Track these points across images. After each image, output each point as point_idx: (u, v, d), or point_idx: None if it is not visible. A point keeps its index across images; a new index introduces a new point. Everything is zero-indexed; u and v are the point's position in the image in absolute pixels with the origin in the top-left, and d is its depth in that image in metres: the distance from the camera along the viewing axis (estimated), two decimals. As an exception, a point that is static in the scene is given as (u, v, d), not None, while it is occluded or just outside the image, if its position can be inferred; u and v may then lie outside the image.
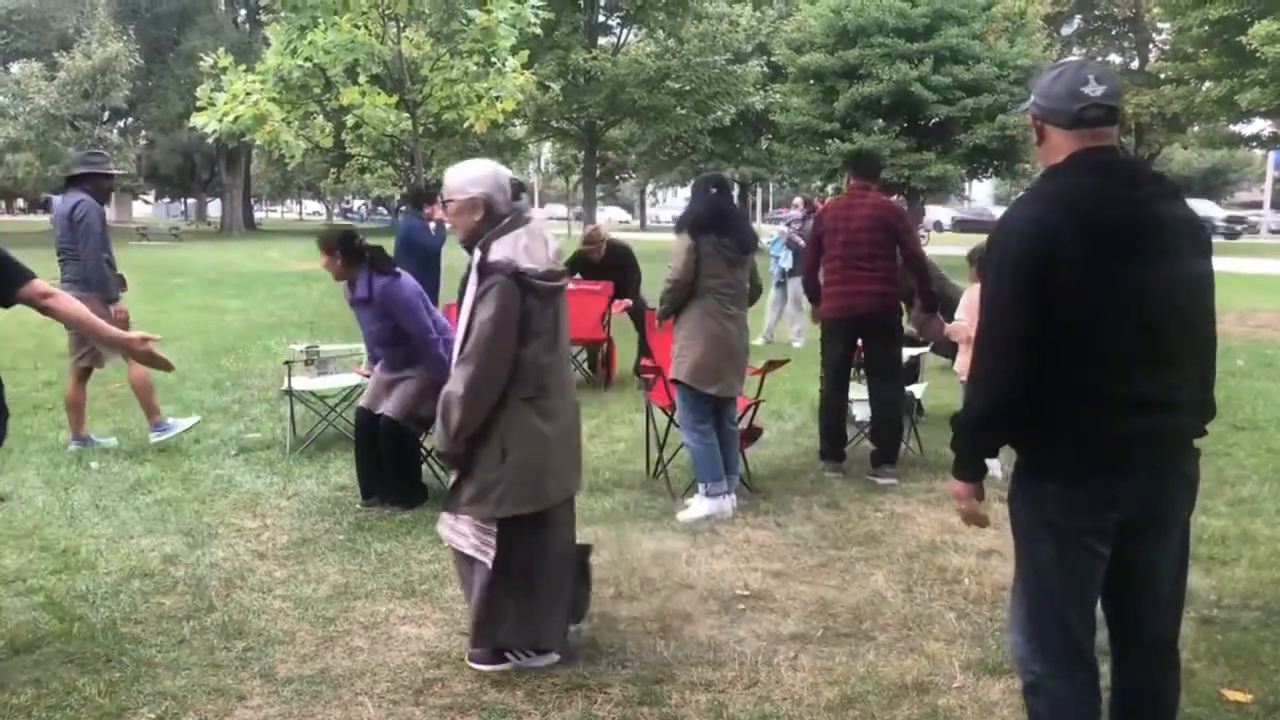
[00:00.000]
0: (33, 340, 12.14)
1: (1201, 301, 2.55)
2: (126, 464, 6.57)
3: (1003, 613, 4.20)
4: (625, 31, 35.36)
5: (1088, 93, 2.44)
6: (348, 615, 4.23)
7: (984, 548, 5.02)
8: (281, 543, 5.13)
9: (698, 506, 5.51)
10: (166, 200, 76.35)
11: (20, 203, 74.34)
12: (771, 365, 6.64)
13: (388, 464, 5.68)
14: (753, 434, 6.43)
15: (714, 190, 5.53)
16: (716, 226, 5.42)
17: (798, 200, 13.10)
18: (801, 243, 10.72)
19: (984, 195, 61.51)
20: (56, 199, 7.29)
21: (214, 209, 62.82)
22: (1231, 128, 30.06)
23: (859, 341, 6.44)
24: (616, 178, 55.43)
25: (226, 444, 7.07)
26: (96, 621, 4.12)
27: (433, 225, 8.48)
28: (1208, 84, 27.34)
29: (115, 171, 7.27)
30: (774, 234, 12.08)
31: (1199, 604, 4.28)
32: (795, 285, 9.82)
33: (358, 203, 75.65)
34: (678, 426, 5.88)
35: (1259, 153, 41.45)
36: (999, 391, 2.48)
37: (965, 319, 6.10)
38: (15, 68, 42.06)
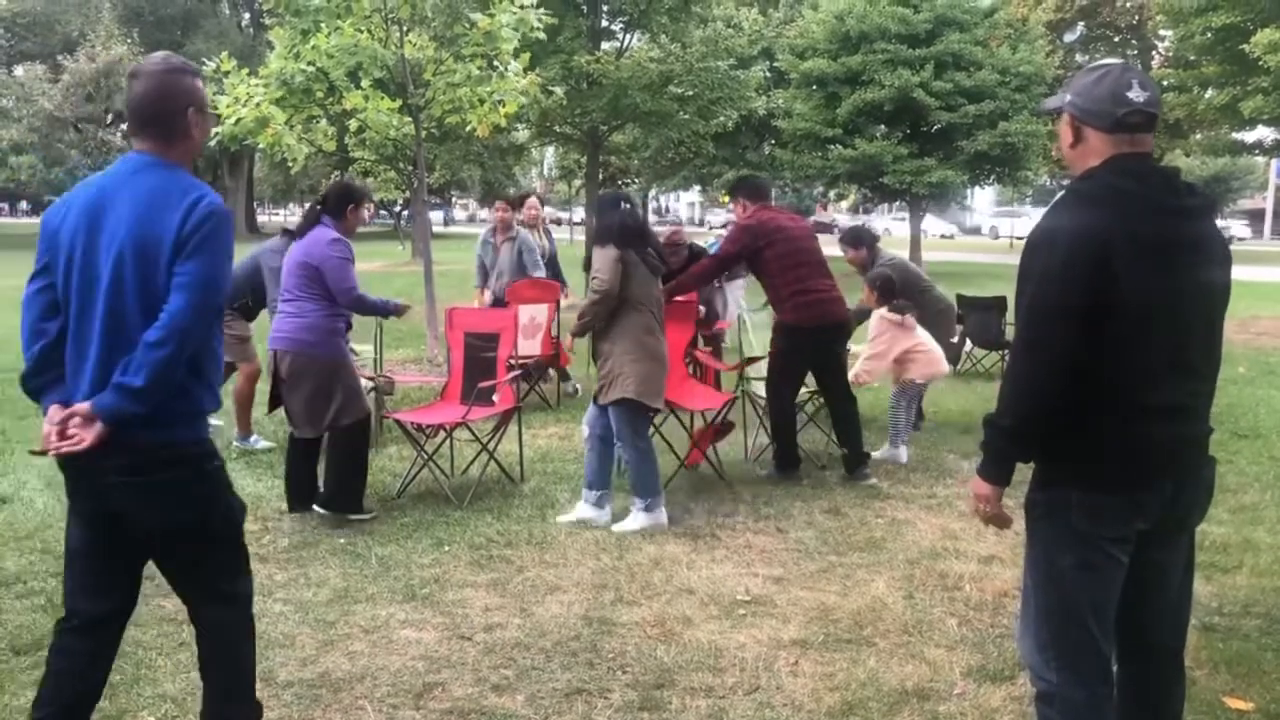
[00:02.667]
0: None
1: (1221, 313, 2.56)
2: (128, 466, 6.56)
3: (1004, 619, 4.20)
4: (628, 36, 35.40)
5: (1132, 98, 2.43)
6: (348, 619, 4.22)
7: (985, 554, 5.01)
8: (282, 546, 5.13)
9: (633, 520, 5.43)
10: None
11: (24, 205, 74.39)
12: (750, 360, 6.72)
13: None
14: (725, 429, 6.48)
15: (625, 205, 5.48)
16: (640, 238, 5.39)
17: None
18: None
19: (986, 202, 61.56)
20: None
21: (217, 212, 62.70)
22: (1234, 135, 30.04)
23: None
24: (619, 183, 55.43)
25: (226, 447, 7.07)
26: (97, 624, 4.11)
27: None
28: (1210, 91, 27.32)
29: None
30: (712, 240, 12.01)
31: (1200, 611, 4.27)
32: (732, 289, 9.84)
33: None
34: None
35: (1261, 160, 41.42)
36: (1038, 395, 2.45)
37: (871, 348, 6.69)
38: (20, 70, 42.15)
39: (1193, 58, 28.35)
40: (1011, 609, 4.25)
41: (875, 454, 6.78)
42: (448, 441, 6.50)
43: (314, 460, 5.72)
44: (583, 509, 5.58)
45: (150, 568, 2.95)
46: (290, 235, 6.08)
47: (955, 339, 8.40)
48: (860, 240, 7.64)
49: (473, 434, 6.65)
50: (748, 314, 8.08)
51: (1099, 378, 2.41)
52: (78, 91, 22.90)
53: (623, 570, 4.79)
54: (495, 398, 6.48)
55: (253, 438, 7.35)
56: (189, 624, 4.10)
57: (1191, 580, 2.71)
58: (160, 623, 4.15)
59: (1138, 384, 2.43)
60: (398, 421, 6.37)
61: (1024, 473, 2.57)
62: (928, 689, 3.63)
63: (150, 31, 45.38)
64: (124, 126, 45.06)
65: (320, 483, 5.69)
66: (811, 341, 6.37)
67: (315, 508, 5.59)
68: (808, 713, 3.46)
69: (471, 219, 78.59)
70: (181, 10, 46.69)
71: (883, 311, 6.79)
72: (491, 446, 6.25)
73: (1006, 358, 9.74)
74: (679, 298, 6.68)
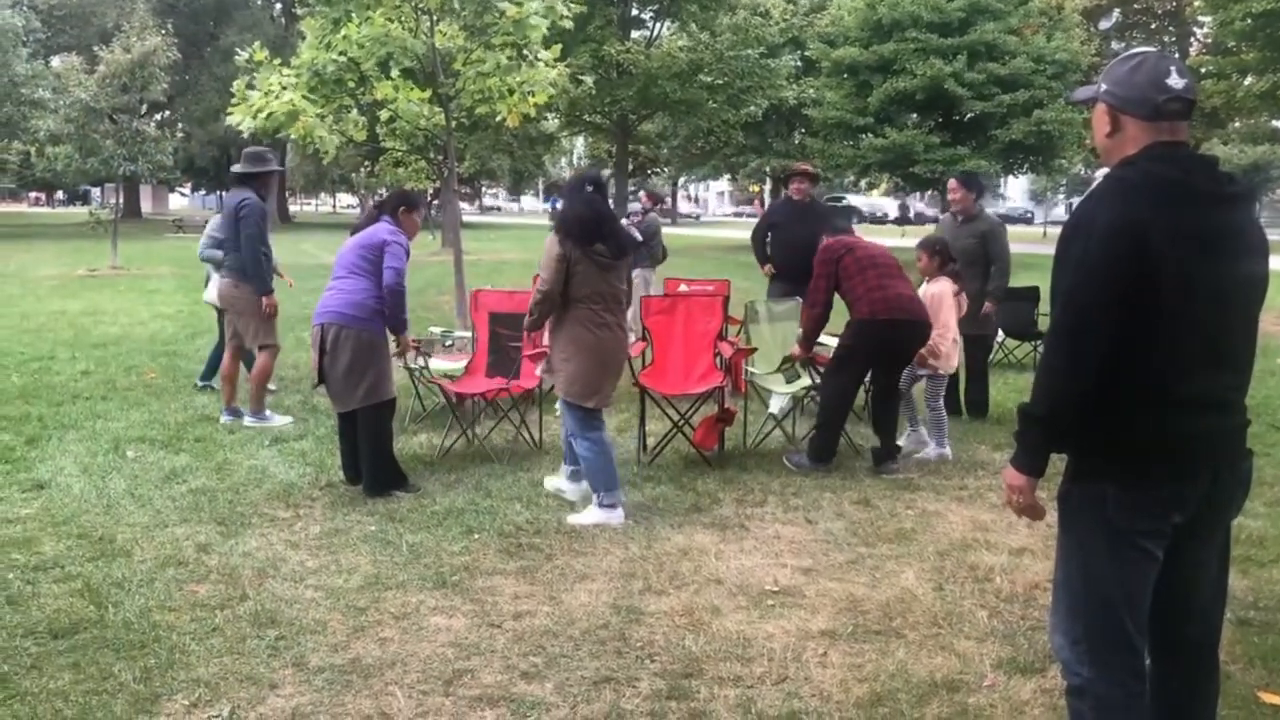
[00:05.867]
0: (71, 330, 12.33)
1: (1259, 304, 2.52)
2: (162, 454, 6.65)
3: (1035, 611, 4.17)
4: (658, 24, 35.34)
5: (1171, 84, 2.40)
6: (379, 605, 4.26)
7: (1016, 546, 4.98)
8: (314, 533, 5.17)
9: (589, 514, 5.38)
10: (203, 192, 77.14)
11: (60, 195, 75.33)
12: (741, 352, 6.73)
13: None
14: (725, 417, 6.46)
15: (590, 189, 5.34)
16: (593, 231, 5.18)
17: (642, 194, 13.59)
18: (639, 236, 10.67)
19: (1019, 191, 61.01)
20: (226, 195, 8.12)
21: (249, 201, 63.27)
22: (1274, 123, 29.60)
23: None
24: (648, 171, 55.41)
25: (260, 434, 7.14)
26: (132, 608, 4.17)
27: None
28: (1250, 78, 26.93)
29: (275, 169, 7.78)
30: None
31: (1236, 605, 4.23)
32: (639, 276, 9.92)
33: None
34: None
35: (1301, 148, 40.76)
36: (1073, 385, 2.41)
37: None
38: (56, 61, 42.65)
39: (1232, 44, 27.94)
40: (1043, 601, 4.21)
41: (920, 454, 6.74)
42: (481, 414, 7.03)
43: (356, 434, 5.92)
44: (558, 481, 5.80)
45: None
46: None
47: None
48: (972, 184, 7.83)
49: (500, 409, 7.05)
50: (761, 304, 8.08)
51: (1136, 369, 2.38)
52: (113, 82, 23.07)
53: (651, 560, 4.79)
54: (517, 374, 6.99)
55: (267, 414, 7.58)
56: (220, 609, 4.17)
57: (1226, 575, 2.67)
58: (193, 608, 4.20)
59: (1176, 375, 2.39)
60: (441, 388, 6.87)
61: (1057, 464, 2.54)
62: (957, 681, 3.62)
63: (184, 23, 45.74)
64: (158, 117, 45.46)
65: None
66: (880, 336, 6.28)
67: (365, 493, 5.79)
68: (836, 703, 3.46)
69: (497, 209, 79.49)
70: (215, 1, 47.06)
71: (947, 287, 6.72)
72: (517, 421, 6.73)
73: (1039, 348, 9.70)
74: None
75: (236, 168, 7.60)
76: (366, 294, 5.75)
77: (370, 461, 5.78)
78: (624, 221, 11.51)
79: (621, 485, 5.52)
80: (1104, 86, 2.50)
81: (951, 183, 8.05)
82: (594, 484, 5.39)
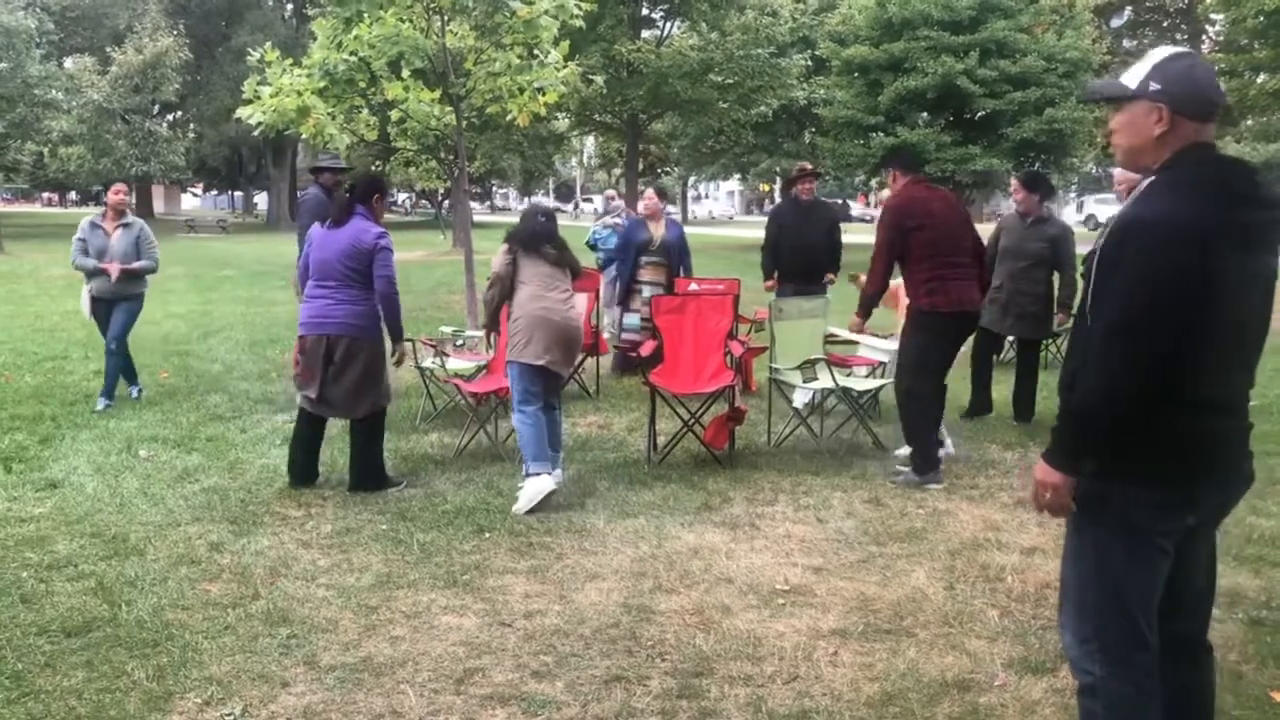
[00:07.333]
0: (84, 330, 12.37)
1: (1271, 303, 2.51)
2: (175, 453, 6.68)
3: (1046, 611, 4.16)
4: (669, 24, 35.34)
5: (1219, 87, 2.43)
6: (390, 604, 4.27)
7: (1027, 545, 4.97)
8: (325, 532, 5.19)
9: (526, 490, 5.59)
10: (214, 193, 77.49)
11: (72, 195, 75.69)
12: (752, 351, 6.71)
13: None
14: (735, 416, 6.44)
15: (542, 219, 6.04)
16: (538, 242, 5.91)
17: (610, 191, 13.83)
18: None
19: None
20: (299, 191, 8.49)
21: (261, 201, 63.62)
22: (1287, 121, 29.44)
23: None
24: (658, 171, 55.39)
25: (273, 434, 7.16)
26: (144, 607, 4.19)
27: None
28: (1262, 76, 26.78)
29: (331, 165, 8.33)
30: (598, 229, 11.75)
31: (1248, 605, 4.22)
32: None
33: (402, 196, 76.25)
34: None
35: (1315, 146, 40.54)
36: (1129, 386, 2.37)
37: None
38: (69, 63, 42.82)
39: (1244, 41, 27.78)
40: (1054, 601, 4.20)
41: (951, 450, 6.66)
42: (494, 414, 7.03)
43: (320, 443, 6.07)
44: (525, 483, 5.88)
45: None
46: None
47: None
48: (1036, 185, 7.64)
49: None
50: (788, 301, 8.05)
51: (1172, 371, 2.35)
52: (125, 83, 23.23)
53: (661, 559, 4.80)
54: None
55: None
56: (232, 608, 4.18)
57: (1215, 567, 2.70)
58: (206, 606, 4.22)
59: (1205, 377, 2.39)
60: (457, 386, 7.04)
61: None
62: (968, 680, 3.61)
63: (196, 23, 45.94)
64: (170, 117, 45.64)
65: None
66: (949, 328, 6.13)
67: (351, 491, 5.86)
68: (847, 702, 3.45)
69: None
70: (226, 2, 47.17)
71: None
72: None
73: (1051, 347, 9.66)
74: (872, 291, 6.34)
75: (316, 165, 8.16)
76: (369, 304, 5.81)
77: (368, 464, 5.90)
78: (610, 220, 11.58)
79: (561, 464, 6.02)
80: (1155, 85, 2.44)
81: (1013, 183, 7.86)
82: (525, 453, 5.70)
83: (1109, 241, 2.41)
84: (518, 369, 5.80)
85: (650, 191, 9.80)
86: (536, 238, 5.92)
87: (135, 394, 8.33)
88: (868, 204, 57.86)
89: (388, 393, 6.03)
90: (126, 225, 8.04)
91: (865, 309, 6.38)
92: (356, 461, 5.90)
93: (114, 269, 7.76)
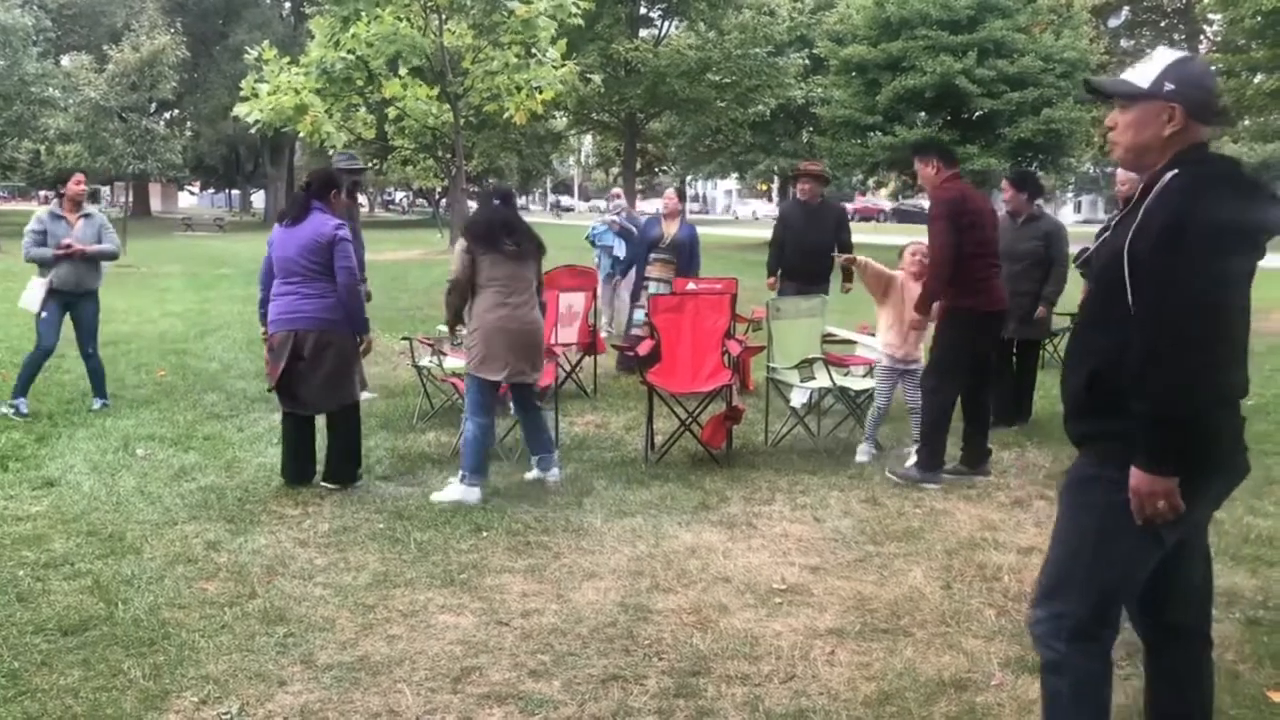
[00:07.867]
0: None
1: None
2: (171, 451, 6.67)
3: (1043, 611, 4.16)
4: (666, 23, 35.35)
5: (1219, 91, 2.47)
6: (387, 603, 4.27)
7: (1024, 545, 4.97)
8: (322, 530, 5.19)
9: (451, 490, 5.65)
10: (211, 191, 77.41)
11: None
12: (749, 350, 6.70)
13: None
14: (733, 415, 6.44)
15: (498, 202, 5.90)
16: (495, 234, 5.71)
17: (615, 190, 13.74)
18: (635, 230, 10.75)
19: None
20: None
21: (258, 200, 63.59)
22: (1284, 121, 29.47)
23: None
24: (656, 170, 55.39)
25: (270, 432, 7.15)
26: (141, 606, 4.18)
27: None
28: (1260, 76, 26.81)
29: (356, 167, 8.59)
30: (597, 225, 11.80)
31: (1245, 605, 4.22)
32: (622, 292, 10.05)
33: (399, 195, 76.24)
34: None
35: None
36: (1212, 382, 2.37)
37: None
38: (66, 60, 42.79)
39: (1241, 41, 27.80)
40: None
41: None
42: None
43: (311, 440, 6.05)
44: (454, 489, 5.85)
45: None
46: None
47: None
48: (1025, 184, 7.59)
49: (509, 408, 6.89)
50: (785, 301, 8.05)
51: None
52: (122, 81, 23.20)
53: (659, 558, 4.80)
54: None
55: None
56: (229, 607, 4.18)
57: (1210, 561, 2.73)
58: (202, 605, 4.21)
59: (1226, 369, 2.43)
60: (454, 385, 6.95)
61: (1062, 461, 2.54)
62: (965, 679, 3.61)
63: (193, 22, 45.93)
64: (167, 115, 45.61)
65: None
66: (988, 326, 6.15)
67: (322, 483, 5.91)
68: (844, 702, 3.46)
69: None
70: (224, 0, 47.16)
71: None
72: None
73: (1056, 346, 9.63)
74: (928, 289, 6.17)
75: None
76: (335, 297, 5.79)
77: (346, 457, 5.94)
78: (614, 218, 11.60)
79: (558, 463, 6.07)
80: (1170, 86, 2.43)
81: (1004, 183, 7.85)
82: (466, 461, 5.67)
83: (1155, 243, 2.35)
84: (475, 381, 5.78)
85: (670, 191, 10.05)
86: (494, 231, 5.74)
87: (99, 405, 7.94)
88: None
89: (356, 389, 6.05)
90: (88, 216, 7.98)
91: (926, 306, 6.24)
92: (331, 454, 5.93)
93: (80, 246, 7.60)
